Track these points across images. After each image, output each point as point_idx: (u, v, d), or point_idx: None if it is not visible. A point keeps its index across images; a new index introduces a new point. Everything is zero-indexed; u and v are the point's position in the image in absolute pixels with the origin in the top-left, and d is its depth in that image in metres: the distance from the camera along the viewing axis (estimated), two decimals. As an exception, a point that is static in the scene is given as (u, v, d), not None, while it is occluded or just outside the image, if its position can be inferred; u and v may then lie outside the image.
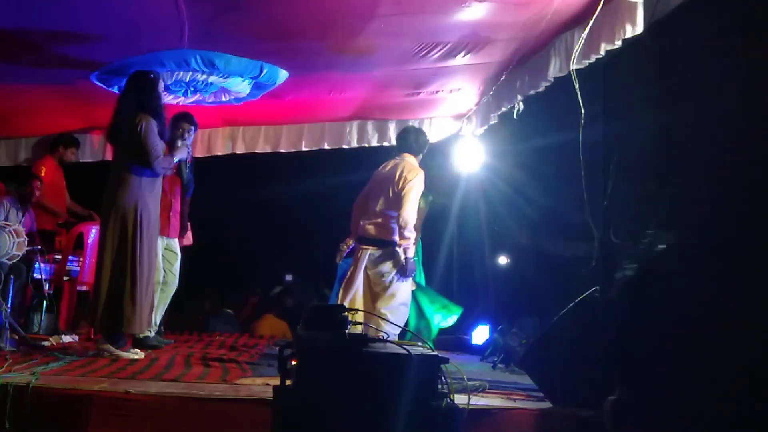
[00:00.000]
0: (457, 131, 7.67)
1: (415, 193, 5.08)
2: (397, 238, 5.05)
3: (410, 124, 7.12)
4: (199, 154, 7.64)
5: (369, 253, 5.12)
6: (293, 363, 2.77)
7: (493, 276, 8.36)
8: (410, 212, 5.03)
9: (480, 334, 6.84)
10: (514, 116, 6.10)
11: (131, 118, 4.85)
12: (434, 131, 7.65)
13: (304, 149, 7.72)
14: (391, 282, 5.04)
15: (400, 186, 5.07)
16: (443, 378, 2.71)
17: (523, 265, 8.02)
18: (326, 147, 7.72)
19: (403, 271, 5.00)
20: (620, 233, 3.03)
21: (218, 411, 3.39)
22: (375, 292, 5.08)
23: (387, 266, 5.07)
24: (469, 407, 3.20)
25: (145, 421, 3.34)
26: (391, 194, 5.12)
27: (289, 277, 10.37)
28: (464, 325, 7.17)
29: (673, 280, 2.82)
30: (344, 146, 7.66)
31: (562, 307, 3.78)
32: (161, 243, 5.54)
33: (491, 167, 7.45)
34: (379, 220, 5.14)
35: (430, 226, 7.53)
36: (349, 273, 5.18)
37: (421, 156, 5.40)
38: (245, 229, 10.64)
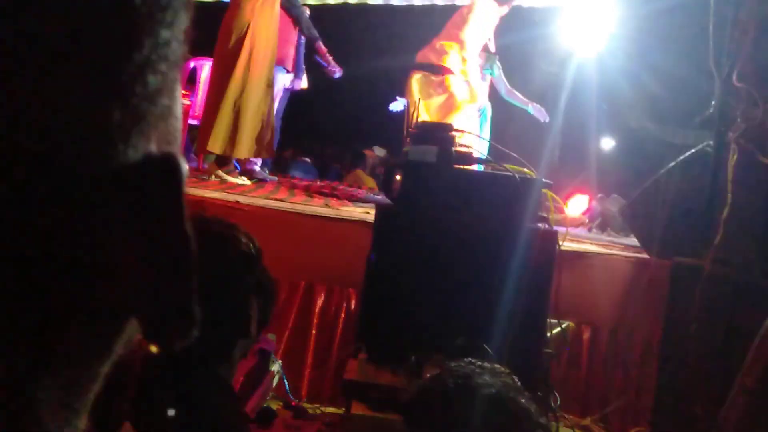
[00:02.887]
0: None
1: (473, 14, 5.08)
2: (451, 64, 5.04)
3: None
4: (311, 1, 7.64)
5: (417, 78, 5.11)
6: (398, 178, 2.84)
7: (599, 155, 8.22)
8: (469, 32, 5.04)
9: (577, 204, 6.75)
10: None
11: None
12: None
13: (416, 3, 7.60)
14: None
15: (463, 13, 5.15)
16: (544, 203, 2.74)
17: (632, 147, 7.84)
18: (439, 3, 7.57)
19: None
20: (745, 76, 2.91)
21: (322, 226, 3.54)
22: None
23: (441, 96, 5.06)
24: (564, 249, 3.24)
25: (251, 230, 3.51)
26: (452, 24, 5.15)
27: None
28: (561, 196, 7.11)
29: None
30: (457, 2, 7.47)
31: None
32: (281, 75, 5.63)
33: (610, 35, 7.16)
34: (436, 45, 5.13)
35: (539, 96, 7.39)
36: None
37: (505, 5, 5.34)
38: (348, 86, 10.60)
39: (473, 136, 4.42)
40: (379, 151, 9.56)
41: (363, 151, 9.92)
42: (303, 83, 6.32)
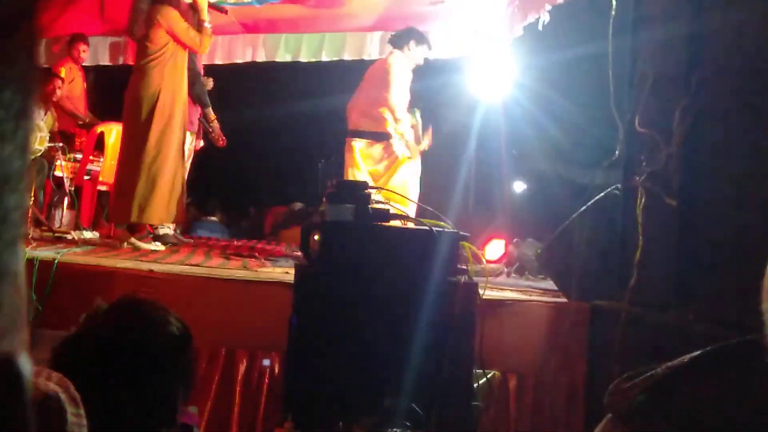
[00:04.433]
0: (480, 45, 7.56)
1: (394, 74, 5.27)
2: (390, 129, 5.24)
3: (431, 35, 7.07)
4: (219, 61, 7.61)
5: (360, 148, 5.31)
6: (316, 237, 2.81)
7: (511, 200, 8.36)
8: (395, 95, 5.21)
9: (494, 249, 6.84)
10: (539, 27, 6.01)
11: (150, 13, 4.81)
12: (456, 45, 7.56)
13: (324, 59, 7.65)
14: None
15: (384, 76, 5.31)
16: (463, 255, 2.75)
17: (542, 190, 8.00)
18: (347, 58, 7.64)
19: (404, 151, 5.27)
20: (646, 123, 3.03)
21: (239, 291, 3.46)
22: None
23: (384, 162, 5.31)
24: (486, 297, 3.26)
25: (167, 299, 3.40)
26: (378, 85, 5.31)
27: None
28: (477, 243, 7.20)
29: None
30: (365, 57, 7.57)
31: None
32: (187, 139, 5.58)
33: (514, 84, 7.35)
34: (372, 112, 5.30)
35: (449, 144, 7.50)
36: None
37: (411, 50, 5.54)
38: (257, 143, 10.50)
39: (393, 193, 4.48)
40: (298, 206, 9.52)
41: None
42: (200, 142, 6.30)
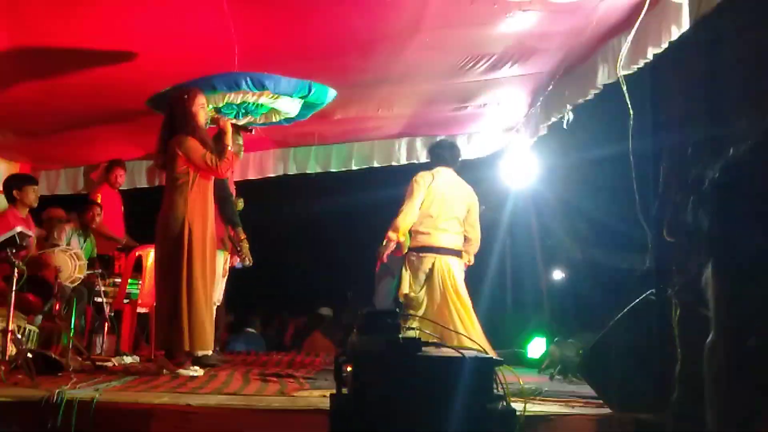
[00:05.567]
0: (507, 144, 7.66)
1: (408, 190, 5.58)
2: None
3: (458, 138, 7.19)
4: (252, 177, 7.81)
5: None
6: (348, 369, 2.80)
7: (548, 290, 8.30)
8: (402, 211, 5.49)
9: (536, 347, 6.80)
10: (564, 126, 6.07)
11: (169, 143, 4.96)
12: (483, 145, 7.67)
13: (354, 168, 7.81)
14: None
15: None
16: (499, 381, 2.71)
17: (578, 279, 7.94)
18: (376, 165, 7.79)
19: None
20: (673, 231, 3.00)
21: (277, 421, 3.43)
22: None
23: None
24: (526, 413, 3.19)
25: (206, 432, 3.40)
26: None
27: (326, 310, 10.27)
28: (519, 339, 7.14)
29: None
30: (393, 163, 7.71)
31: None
32: (221, 258, 5.66)
33: (542, 179, 7.40)
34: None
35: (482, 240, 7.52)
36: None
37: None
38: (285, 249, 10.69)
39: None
40: (326, 311, 9.53)
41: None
42: (235, 259, 6.37)
